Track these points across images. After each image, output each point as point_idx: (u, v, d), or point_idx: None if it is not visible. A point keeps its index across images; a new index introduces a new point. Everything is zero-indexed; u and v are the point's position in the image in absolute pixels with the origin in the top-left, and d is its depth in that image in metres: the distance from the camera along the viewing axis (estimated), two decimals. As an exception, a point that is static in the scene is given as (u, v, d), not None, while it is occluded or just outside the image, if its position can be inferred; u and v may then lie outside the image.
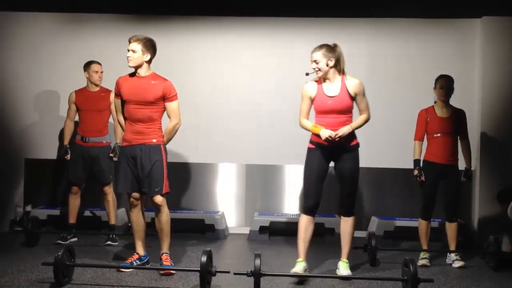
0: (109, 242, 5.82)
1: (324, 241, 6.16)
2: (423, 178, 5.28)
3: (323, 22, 6.58)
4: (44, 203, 6.72)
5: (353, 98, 4.59)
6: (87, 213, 6.43)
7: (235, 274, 4.17)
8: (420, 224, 5.37)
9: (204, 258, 4.07)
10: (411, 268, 4.06)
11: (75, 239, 5.92)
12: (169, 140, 4.79)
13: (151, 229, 5.08)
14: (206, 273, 4.09)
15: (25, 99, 6.74)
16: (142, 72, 4.67)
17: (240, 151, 6.70)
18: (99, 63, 5.89)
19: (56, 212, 6.46)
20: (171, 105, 4.71)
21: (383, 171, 6.57)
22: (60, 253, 4.16)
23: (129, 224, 6.28)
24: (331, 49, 4.54)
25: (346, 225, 4.74)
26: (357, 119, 4.64)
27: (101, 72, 5.90)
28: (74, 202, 5.89)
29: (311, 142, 4.69)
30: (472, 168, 5.57)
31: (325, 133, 4.47)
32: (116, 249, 5.64)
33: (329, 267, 5.01)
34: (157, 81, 4.67)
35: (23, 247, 5.56)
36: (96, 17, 6.74)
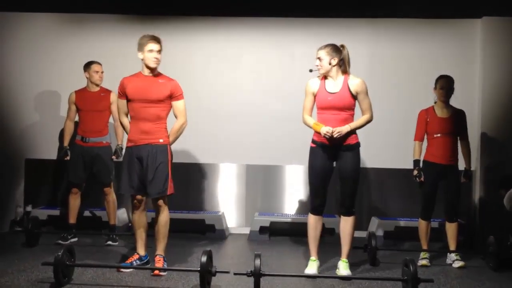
0: (109, 242, 5.82)
1: (324, 241, 6.13)
2: (422, 178, 5.28)
3: (324, 23, 6.57)
4: (44, 203, 6.72)
5: (354, 97, 4.61)
6: (87, 213, 6.43)
7: (235, 274, 4.17)
8: (420, 224, 5.37)
9: (204, 258, 4.07)
10: (411, 268, 4.06)
11: (75, 239, 5.92)
12: (175, 139, 4.79)
13: (152, 230, 5.07)
14: (206, 273, 4.09)
15: (25, 99, 6.74)
16: (152, 71, 4.70)
17: (240, 151, 6.69)
18: (99, 63, 5.89)
19: (56, 212, 6.47)
20: (178, 104, 4.73)
21: (383, 171, 6.56)
22: (60, 253, 4.17)
23: (130, 224, 6.33)
24: (337, 49, 4.61)
25: (346, 224, 4.74)
26: (359, 119, 4.66)
27: (102, 72, 5.89)
28: (74, 202, 5.89)
29: (313, 141, 4.71)
30: (472, 169, 5.58)
31: (323, 129, 4.50)
32: (116, 249, 5.64)
33: (329, 267, 5.01)
34: (164, 80, 4.70)
35: (23, 247, 5.56)
36: (96, 17, 6.73)
